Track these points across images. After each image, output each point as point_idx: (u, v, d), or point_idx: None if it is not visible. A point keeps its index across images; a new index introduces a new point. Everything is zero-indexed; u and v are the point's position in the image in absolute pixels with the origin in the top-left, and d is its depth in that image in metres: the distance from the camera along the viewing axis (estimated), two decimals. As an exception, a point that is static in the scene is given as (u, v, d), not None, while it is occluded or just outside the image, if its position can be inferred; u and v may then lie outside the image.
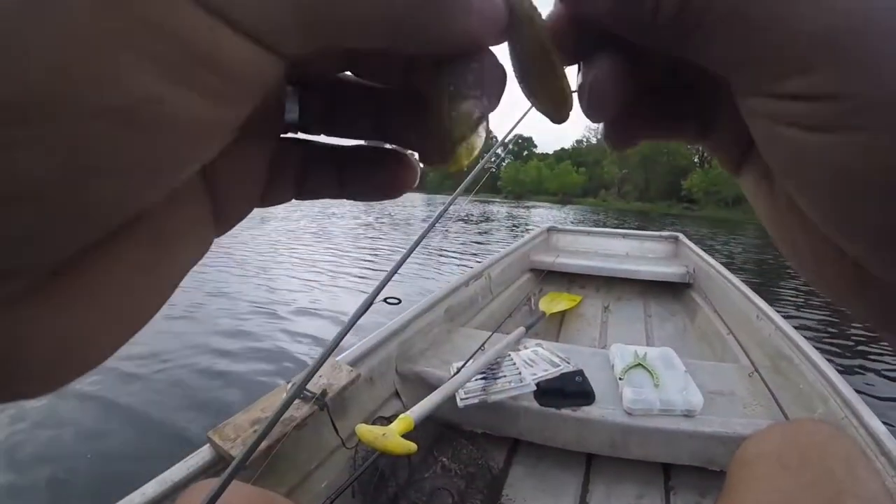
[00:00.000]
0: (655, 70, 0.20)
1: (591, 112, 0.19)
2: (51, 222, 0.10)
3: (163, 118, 0.10)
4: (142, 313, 0.15)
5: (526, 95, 0.20)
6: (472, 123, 0.17)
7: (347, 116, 0.21)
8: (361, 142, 0.21)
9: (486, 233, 13.65)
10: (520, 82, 0.19)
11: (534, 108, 0.21)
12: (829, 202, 0.15)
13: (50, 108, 0.09)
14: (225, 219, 0.18)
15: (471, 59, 0.16)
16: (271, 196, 0.20)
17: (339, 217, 15.83)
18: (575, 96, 0.19)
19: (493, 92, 0.17)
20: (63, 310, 0.13)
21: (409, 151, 0.21)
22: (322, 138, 0.21)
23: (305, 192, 0.21)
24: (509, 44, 0.18)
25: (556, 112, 0.20)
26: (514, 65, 0.19)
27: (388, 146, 0.21)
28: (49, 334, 0.12)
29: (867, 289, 0.16)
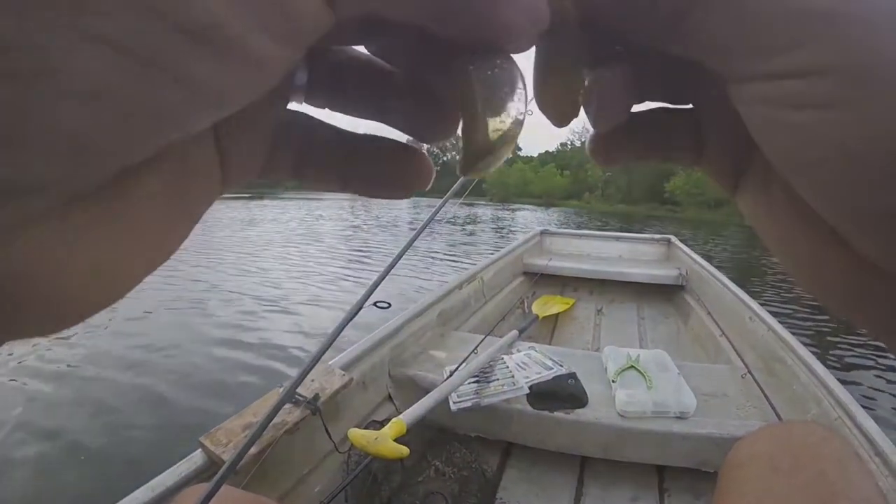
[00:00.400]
0: (654, 82, 0.20)
1: (597, 121, 0.20)
2: (113, 124, 0.10)
3: (226, 43, 0.11)
4: (165, 246, 0.16)
5: (537, 98, 0.19)
6: (513, 130, 0.17)
7: (351, 91, 0.20)
8: (366, 126, 0.21)
9: (472, 234, 13.71)
10: (536, 85, 0.19)
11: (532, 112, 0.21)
12: (831, 185, 0.14)
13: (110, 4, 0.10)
14: (229, 176, 0.18)
15: (497, 58, 0.16)
16: (271, 168, 0.19)
17: (327, 219, 15.86)
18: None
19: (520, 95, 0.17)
20: (98, 230, 0.13)
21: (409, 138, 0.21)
22: (326, 116, 0.21)
23: (307, 174, 0.20)
24: (538, 46, 0.18)
25: (564, 119, 0.20)
26: (537, 67, 0.19)
27: (401, 141, 0.20)
28: (86, 253, 0.13)
29: (873, 287, 0.16)
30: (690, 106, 0.21)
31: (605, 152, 0.21)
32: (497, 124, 0.16)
